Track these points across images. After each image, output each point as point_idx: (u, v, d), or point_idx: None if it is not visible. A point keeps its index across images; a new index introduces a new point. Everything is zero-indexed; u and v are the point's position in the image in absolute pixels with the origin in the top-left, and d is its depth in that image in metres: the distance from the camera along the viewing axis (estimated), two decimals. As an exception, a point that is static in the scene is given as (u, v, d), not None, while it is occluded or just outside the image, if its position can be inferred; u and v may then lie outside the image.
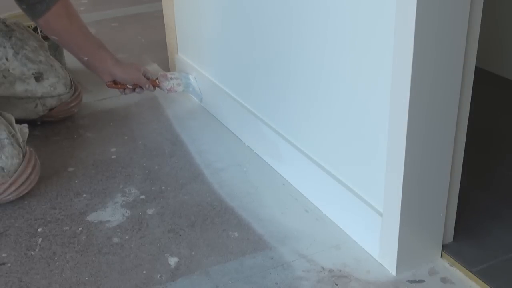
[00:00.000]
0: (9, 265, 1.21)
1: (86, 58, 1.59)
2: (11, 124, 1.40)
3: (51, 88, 1.67)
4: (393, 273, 1.14)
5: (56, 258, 1.22)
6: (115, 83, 1.63)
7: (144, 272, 1.18)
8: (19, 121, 1.45)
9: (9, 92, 1.63)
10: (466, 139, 1.11)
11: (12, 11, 2.03)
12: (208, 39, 1.75)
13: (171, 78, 1.73)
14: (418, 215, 1.11)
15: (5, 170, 1.34)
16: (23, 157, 1.38)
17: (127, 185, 1.46)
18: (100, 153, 1.60)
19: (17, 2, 1.50)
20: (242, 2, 1.50)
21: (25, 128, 1.43)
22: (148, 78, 1.66)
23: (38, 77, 1.65)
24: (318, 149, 1.33)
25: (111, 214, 1.35)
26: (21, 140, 1.39)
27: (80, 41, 1.57)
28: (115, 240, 1.27)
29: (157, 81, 1.69)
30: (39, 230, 1.31)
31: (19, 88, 1.63)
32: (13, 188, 1.36)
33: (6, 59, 1.62)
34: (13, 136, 1.37)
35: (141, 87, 1.65)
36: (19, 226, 1.32)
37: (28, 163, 1.38)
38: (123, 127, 1.74)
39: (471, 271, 1.12)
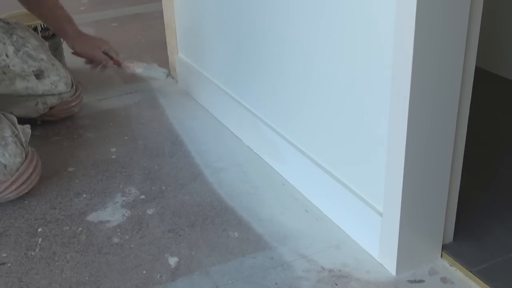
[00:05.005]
0: (9, 265, 1.21)
1: (52, 27, 1.88)
2: (13, 125, 1.41)
3: (52, 86, 1.67)
4: (393, 273, 1.14)
5: (56, 258, 1.22)
6: (78, 53, 1.85)
7: (144, 272, 1.18)
8: (19, 119, 1.45)
9: (10, 89, 1.64)
10: (466, 139, 1.11)
11: (12, 11, 2.04)
12: (208, 39, 1.75)
13: (136, 64, 1.88)
14: (418, 215, 1.11)
15: (7, 168, 1.34)
16: (26, 156, 1.38)
17: (127, 185, 1.46)
18: (100, 153, 1.60)
19: None
20: (242, 2, 1.50)
21: (27, 128, 1.44)
22: (111, 57, 1.84)
23: (39, 75, 1.65)
24: (318, 149, 1.33)
25: (111, 214, 1.35)
26: (23, 140, 1.40)
27: (46, 12, 1.80)
28: (115, 240, 1.27)
29: (120, 61, 1.86)
30: (39, 230, 1.31)
31: (20, 86, 1.64)
32: (14, 186, 1.36)
33: (6, 55, 1.63)
34: (16, 136, 1.38)
35: (101, 63, 1.83)
36: (19, 226, 1.32)
37: (30, 163, 1.39)
38: (123, 127, 1.74)
39: (471, 271, 1.12)
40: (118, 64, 1.86)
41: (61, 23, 1.81)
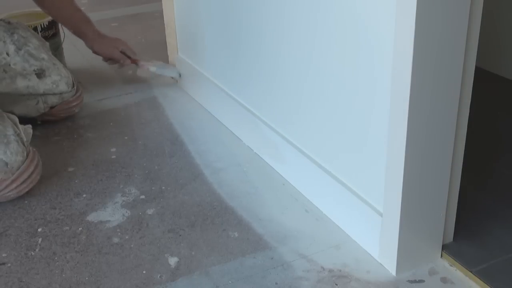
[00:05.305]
0: (9, 265, 1.21)
1: (70, 30, 1.90)
2: (15, 124, 1.41)
3: (53, 85, 1.68)
4: (393, 273, 1.14)
5: (56, 258, 1.22)
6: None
7: (144, 272, 1.18)
8: (20, 118, 1.45)
9: (11, 88, 1.64)
10: (466, 139, 1.11)
11: (12, 12, 2.04)
12: (208, 39, 1.75)
13: (152, 63, 1.96)
14: (418, 215, 1.11)
15: (8, 166, 1.34)
16: (27, 156, 1.38)
17: (127, 185, 1.46)
18: (100, 153, 1.60)
19: None
20: (241, 2, 1.50)
21: (29, 128, 1.45)
22: (128, 57, 1.91)
23: (40, 74, 1.66)
24: (318, 149, 1.33)
25: (111, 214, 1.35)
26: (25, 139, 1.40)
27: (65, 16, 1.87)
28: (115, 240, 1.27)
29: (137, 60, 1.93)
30: (39, 230, 1.31)
31: (21, 84, 1.64)
32: (14, 185, 1.36)
33: (7, 54, 1.63)
34: (18, 135, 1.38)
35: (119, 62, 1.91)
36: (19, 226, 1.32)
37: (31, 162, 1.39)
38: (123, 127, 1.74)
39: (471, 271, 1.12)
40: (135, 63, 1.93)
41: (79, 25, 1.87)
